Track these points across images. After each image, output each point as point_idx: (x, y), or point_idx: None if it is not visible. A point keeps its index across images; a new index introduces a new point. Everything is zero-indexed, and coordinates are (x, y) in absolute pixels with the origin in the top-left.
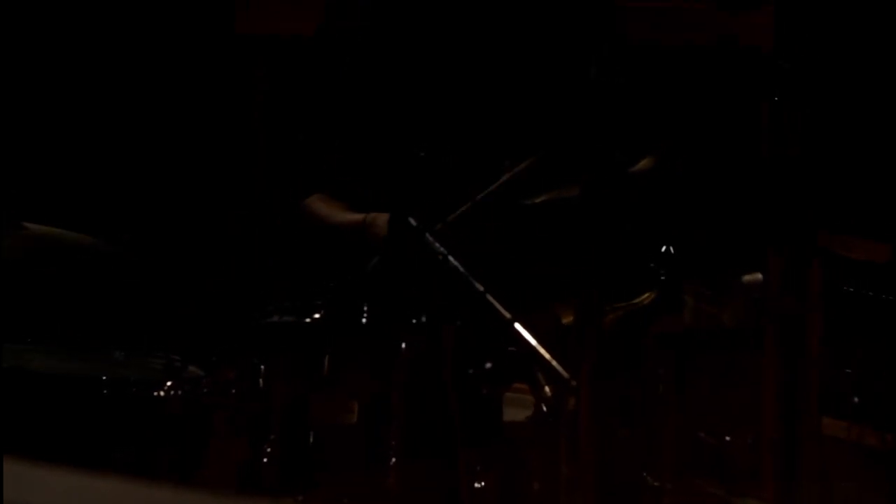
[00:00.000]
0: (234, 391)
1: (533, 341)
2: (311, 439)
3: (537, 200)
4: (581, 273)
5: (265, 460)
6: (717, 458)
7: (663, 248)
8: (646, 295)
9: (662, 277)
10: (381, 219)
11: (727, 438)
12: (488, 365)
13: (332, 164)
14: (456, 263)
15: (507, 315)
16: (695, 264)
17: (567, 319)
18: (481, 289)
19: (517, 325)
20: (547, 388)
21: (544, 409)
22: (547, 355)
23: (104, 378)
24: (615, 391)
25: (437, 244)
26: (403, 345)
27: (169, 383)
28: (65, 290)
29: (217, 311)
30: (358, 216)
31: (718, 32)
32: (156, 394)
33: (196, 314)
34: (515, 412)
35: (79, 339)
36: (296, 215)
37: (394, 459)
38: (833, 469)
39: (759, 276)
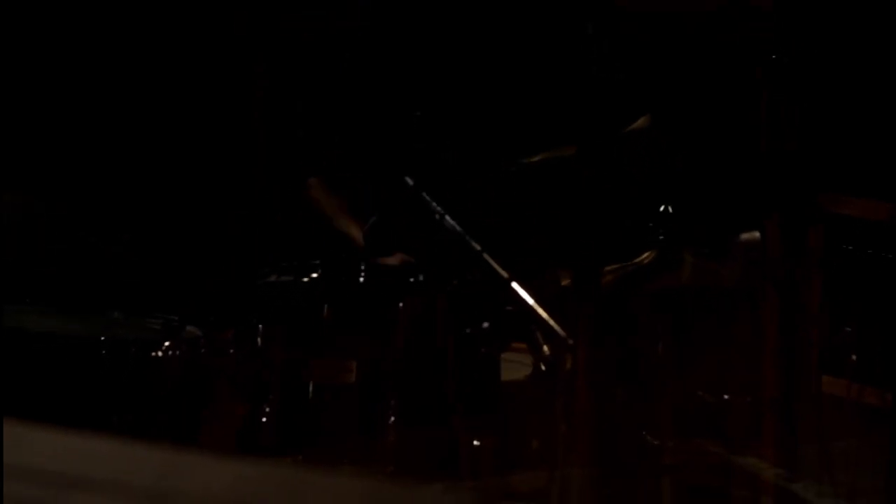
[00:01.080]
0: (232, 351)
1: (530, 300)
2: (310, 400)
3: (534, 160)
4: (578, 233)
5: (263, 420)
6: (717, 417)
7: (662, 208)
8: (645, 254)
9: (661, 237)
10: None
11: (726, 397)
12: (486, 325)
13: (331, 154)
14: (452, 222)
15: (505, 274)
16: (693, 223)
17: (565, 280)
18: (478, 248)
19: (514, 285)
20: (545, 348)
21: (543, 368)
22: (544, 314)
23: (102, 338)
24: (613, 351)
25: (434, 203)
26: (401, 304)
27: (167, 343)
28: (61, 250)
29: (215, 271)
30: (356, 232)
31: None
32: (154, 354)
33: (194, 274)
34: (513, 372)
35: (76, 300)
36: (295, 187)
37: (392, 419)
38: (832, 427)
39: (758, 234)
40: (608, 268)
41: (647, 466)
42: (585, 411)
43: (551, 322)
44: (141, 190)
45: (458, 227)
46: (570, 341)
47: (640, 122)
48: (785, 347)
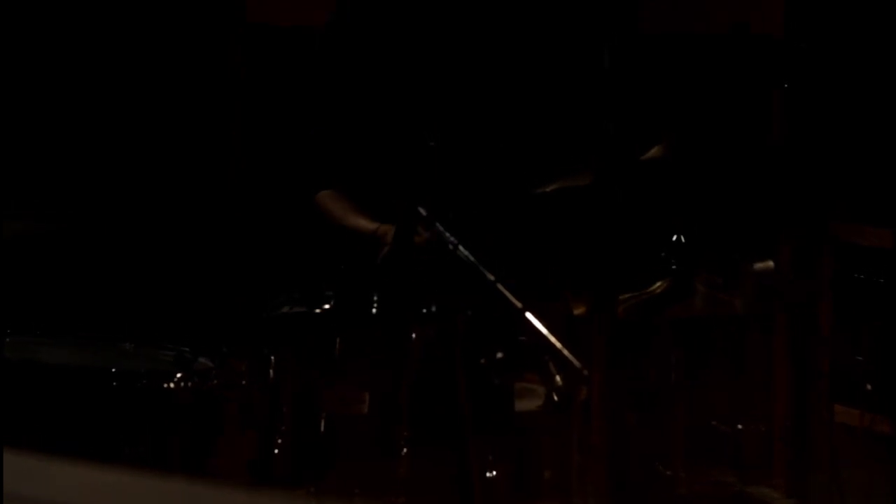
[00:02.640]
0: (244, 383)
1: (544, 330)
2: (322, 430)
3: (548, 189)
4: (593, 262)
5: (276, 451)
6: (731, 447)
7: (674, 237)
8: (658, 284)
9: (674, 266)
10: (391, 233)
11: (739, 427)
12: (499, 355)
13: (343, 158)
14: (466, 253)
15: (518, 304)
16: (706, 252)
17: (578, 310)
18: (492, 278)
19: (528, 315)
20: (558, 378)
21: (555, 398)
22: (558, 344)
23: (113, 370)
24: (626, 380)
25: (448, 234)
26: (414, 335)
27: (179, 375)
28: (71, 279)
29: (227, 301)
30: (370, 225)
31: (731, 20)
32: (166, 385)
33: (206, 305)
34: (527, 402)
35: (88, 331)
36: (308, 209)
37: (405, 449)
38: (844, 456)
39: (771, 263)
40: (621, 297)
41: (661, 497)
42: (599, 441)
43: (565, 352)
44: (153, 220)
45: (471, 258)
46: (585, 371)
47: (654, 151)
48: (797, 376)
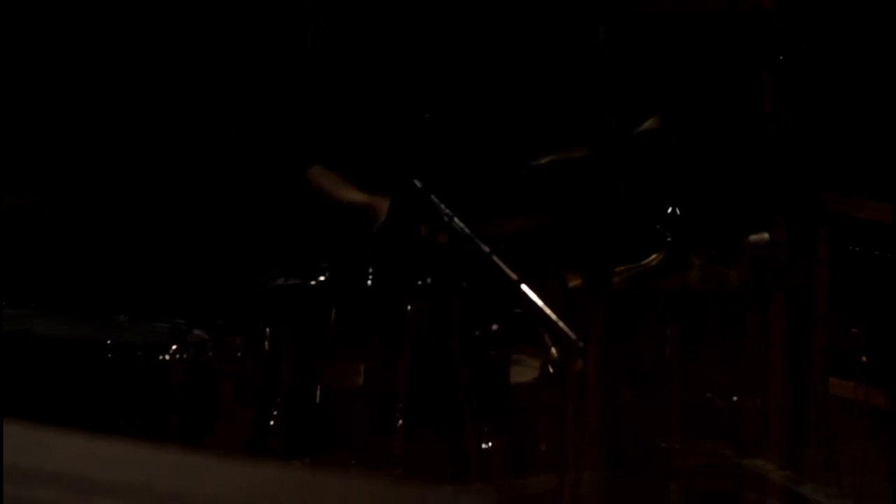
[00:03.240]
0: (239, 355)
1: (539, 303)
2: (318, 403)
3: (543, 162)
4: (587, 234)
5: (272, 424)
6: (726, 420)
7: (669, 210)
8: (653, 256)
9: (669, 238)
10: (385, 204)
11: (735, 399)
12: (494, 327)
13: (335, 132)
14: (461, 225)
15: (514, 276)
16: (701, 225)
17: (573, 282)
18: (487, 250)
19: (524, 287)
20: (553, 350)
21: (551, 370)
22: (553, 316)
23: (108, 342)
24: (622, 353)
25: (443, 205)
26: (409, 307)
27: (174, 347)
28: (68, 252)
29: (223, 274)
30: (363, 198)
31: None
32: (161, 357)
33: (202, 277)
34: (522, 374)
35: (82, 303)
36: (299, 185)
37: (400, 422)
38: (840, 429)
39: (766, 235)
40: (617, 269)
41: (657, 470)
42: (595, 414)
43: (560, 324)
44: (148, 192)
45: (466, 230)
46: (580, 343)
47: (649, 123)
48: (793, 349)
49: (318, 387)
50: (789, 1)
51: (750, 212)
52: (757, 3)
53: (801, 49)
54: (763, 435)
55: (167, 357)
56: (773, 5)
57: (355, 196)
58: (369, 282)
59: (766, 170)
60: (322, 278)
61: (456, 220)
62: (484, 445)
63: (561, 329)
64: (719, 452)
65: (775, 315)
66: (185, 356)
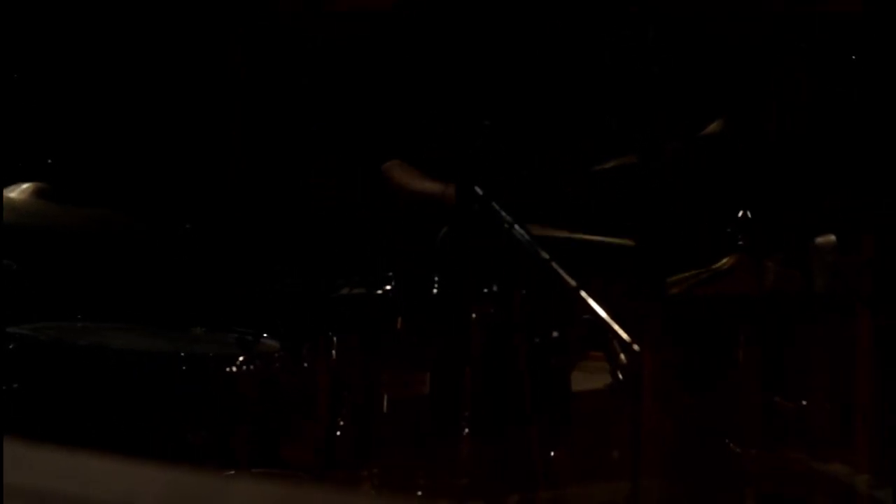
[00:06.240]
0: (306, 365)
1: (599, 309)
2: (384, 412)
3: (607, 167)
4: (648, 240)
5: (339, 434)
6: (798, 424)
7: (741, 213)
8: (724, 260)
9: (740, 242)
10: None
11: (804, 403)
12: (555, 334)
13: (407, 134)
14: (522, 231)
15: (573, 283)
16: (774, 229)
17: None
18: (546, 256)
19: (583, 293)
20: (622, 356)
21: (620, 377)
22: (612, 322)
23: (182, 354)
24: (693, 358)
25: (504, 213)
26: (474, 315)
27: (241, 358)
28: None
29: (290, 285)
30: (437, 186)
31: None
32: (229, 369)
33: (269, 289)
34: (590, 381)
35: (158, 317)
36: (375, 179)
37: (466, 430)
38: None
39: (833, 238)
40: (688, 273)
41: (729, 476)
42: (663, 420)
43: (620, 331)
44: (219, 205)
45: (526, 236)
46: (636, 347)
47: (714, 126)
48: (877, 353)
49: (384, 395)
50: (878, 3)
51: (826, 216)
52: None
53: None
54: (835, 438)
55: (234, 368)
56: (862, 8)
57: (430, 186)
58: (434, 290)
59: (845, 172)
60: (388, 287)
61: (517, 227)
62: (550, 453)
63: (620, 335)
64: (793, 457)
65: (860, 318)
66: (252, 367)
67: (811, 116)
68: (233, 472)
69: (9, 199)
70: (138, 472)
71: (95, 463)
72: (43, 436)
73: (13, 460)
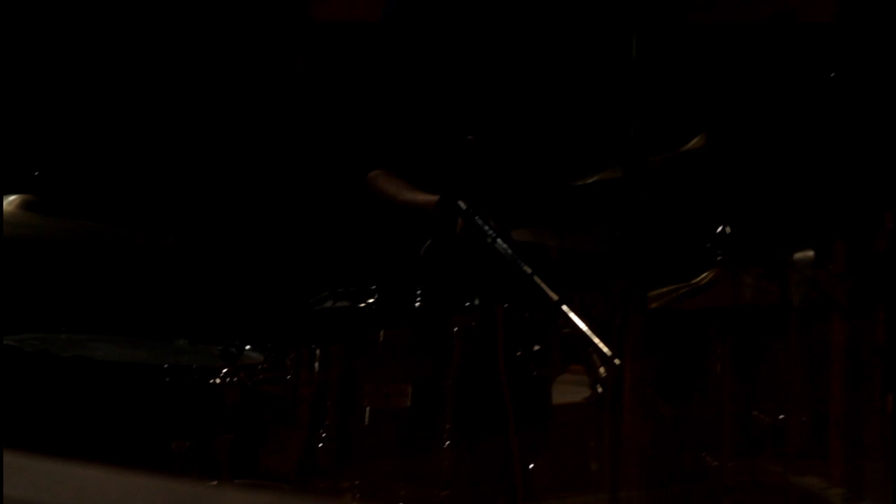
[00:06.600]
0: (289, 377)
1: (580, 322)
2: (365, 424)
3: (589, 181)
4: (628, 254)
5: (321, 445)
6: (774, 436)
7: (720, 228)
8: (704, 275)
9: (719, 257)
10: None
11: (781, 417)
12: (536, 347)
13: (391, 146)
14: (504, 245)
15: (555, 296)
16: (752, 243)
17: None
18: (529, 270)
19: (564, 307)
20: (602, 370)
21: (599, 390)
22: (593, 336)
23: (165, 366)
24: (670, 371)
25: (486, 226)
26: (456, 328)
27: (225, 370)
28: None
29: (274, 297)
30: (427, 197)
31: (774, 9)
32: (212, 381)
33: (254, 300)
34: (569, 393)
35: (141, 328)
36: (359, 190)
37: (447, 443)
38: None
39: (811, 253)
40: (667, 288)
41: (709, 487)
42: (641, 432)
43: (600, 344)
44: (203, 217)
45: (509, 250)
46: (617, 361)
47: (696, 141)
48: (851, 366)
49: (366, 407)
50: (853, 14)
51: (804, 228)
52: (818, 15)
53: (854, 61)
54: (812, 452)
55: (218, 380)
56: (835, 19)
57: (420, 197)
58: (417, 303)
59: (821, 185)
60: (371, 300)
61: (499, 240)
62: (530, 465)
63: (600, 349)
64: (769, 469)
65: (835, 331)
66: (235, 379)
67: (790, 129)
68: (215, 482)
69: None
70: (132, 482)
71: (88, 472)
72: (27, 445)
73: (8, 471)
